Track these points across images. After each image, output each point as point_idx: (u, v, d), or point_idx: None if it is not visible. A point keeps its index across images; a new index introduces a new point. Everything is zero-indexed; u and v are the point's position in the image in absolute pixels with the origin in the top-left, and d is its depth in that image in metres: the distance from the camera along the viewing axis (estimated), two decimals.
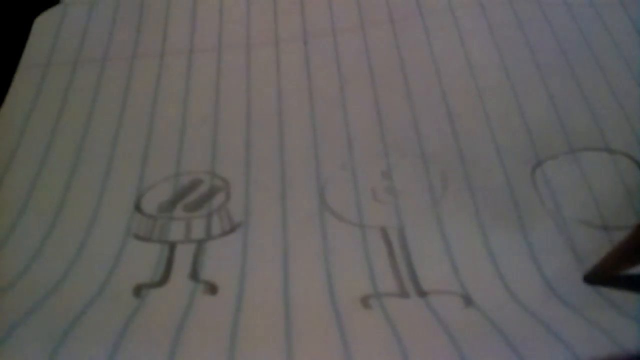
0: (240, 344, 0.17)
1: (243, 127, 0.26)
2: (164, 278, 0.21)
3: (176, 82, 0.27)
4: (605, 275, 0.20)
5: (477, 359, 0.17)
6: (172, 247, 0.22)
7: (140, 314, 0.18)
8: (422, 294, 0.20)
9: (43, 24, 0.30)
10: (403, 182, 0.24)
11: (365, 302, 0.19)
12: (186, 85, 0.27)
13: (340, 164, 0.25)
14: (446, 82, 0.27)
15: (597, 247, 0.21)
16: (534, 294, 0.19)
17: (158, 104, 0.26)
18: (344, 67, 0.28)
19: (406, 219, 0.23)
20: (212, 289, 0.20)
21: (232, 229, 0.23)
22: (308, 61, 0.28)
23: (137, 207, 0.24)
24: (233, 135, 0.26)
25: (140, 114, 0.26)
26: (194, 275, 0.21)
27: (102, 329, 0.18)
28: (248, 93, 0.27)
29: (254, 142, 0.25)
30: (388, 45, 0.28)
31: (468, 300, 0.19)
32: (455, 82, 0.27)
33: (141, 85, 0.27)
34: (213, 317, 0.18)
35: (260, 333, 0.18)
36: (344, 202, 0.23)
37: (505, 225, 0.22)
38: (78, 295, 0.19)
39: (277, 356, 0.17)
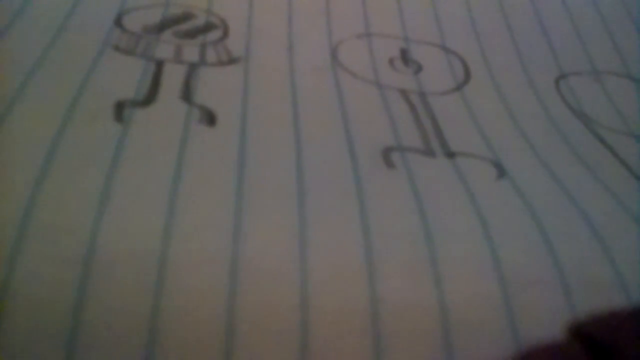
0: (248, 203, 0.14)
1: None
2: (151, 96, 0.17)
3: None
4: None
5: (503, 238, 0.14)
6: (159, 64, 0.18)
7: (127, 143, 0.15)
8: (450, 154, 0.17)
9: None
10: (423, 61, 0.22)
11: (387, 156, 0.16)
12: None
13: (356, 33, 0.22)
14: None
15: (624, 147, 0.19)
16: (569, 172, 0.17)
17: None
18: None
19: (428, 88, 0.20)
20: (210, 117, 0.16)
21: (231, 62, 0.19)
22: None
23: (117, 23, 0.20)
24: None
25: None
26: (187, 96, 0.17)
27: (87, 159, 0.14)
28: None
29: None
30: None
31: (501, 171, 0.17)
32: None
33: None
34: (214, 154, 0.15)
35: (269, 189, 0.14)
36: (359, 62, 0.20)
37: (531, 113, 0.20)
38: (49, 108, 0.15)
39: (289, 224, 0.14)
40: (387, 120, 0.18)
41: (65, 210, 0.13)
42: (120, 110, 0.16)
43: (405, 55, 0.22)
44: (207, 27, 0.21)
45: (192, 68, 0.18)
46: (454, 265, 0.14)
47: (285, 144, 0.16)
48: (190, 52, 0.19)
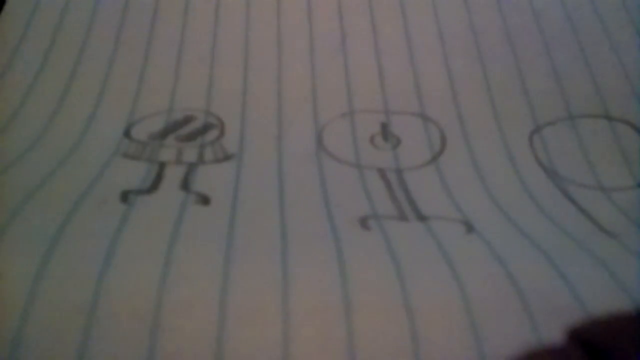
0: (236, 258, 0.16)
1: (240, 68, 0.25)
2: (153, 186, 0.20)
3: (174, 17, 0.26)
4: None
5: (475, 285, 0.16)
6: (161, 165, 0.21)
7: (130, 221, 0.17)
8: (421, 218, 0.19)
9: None
10: (402, 135, 0.24)
11: (364, 222, 0.18)
12: (183, 22, 0.26)
13: (340, 113, 0.24)
14: (449, 44, 0.27)
15: (591, 202, 0.21)
16: (535, 226, 0.19)
17: (154, 39, 0.26)
18: (346, 14, 0.27)
19: (404, 163, 0.22)
20: (205, 199, 0.19)
21: (226, 158, 0.22)
22: (310, 4, 0.27)
23: (127, 134, 0.23)
24: (230, 76, 0.25)
25: (135, 47, 0.25)
26: (185, 186, 0.20)
27: (92, 234, 0.17)
28: (247, 34, 0.26)
29: (251, 84, 0.25)
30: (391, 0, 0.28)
31: (469, 227, 0.18)
32: (458, 44, 0.27)
33: (138, 18, 0.26)
34: (206, 227, 0.18)
35: (255, 247, 0.17)
36: (342, 145, 0.23)
37: (503, 175, 0.22)
38: (63, 198, 0.18)
39: (273, 271, 0.16)
40: (363, 196, 0.20)
41: (74, 268, 0.16)
42: (125, 196, 0.19)
43: (385, 130, 0.24)
44: (206, 128, 0.23)
45: (191, 167, 0.21)
46: (425, 302, 0.15)
47: (271, 216, 0.19)
48: (190, 153, 0.22)
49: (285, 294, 0.15)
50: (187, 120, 0.24)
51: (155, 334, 0.15)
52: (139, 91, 0.24)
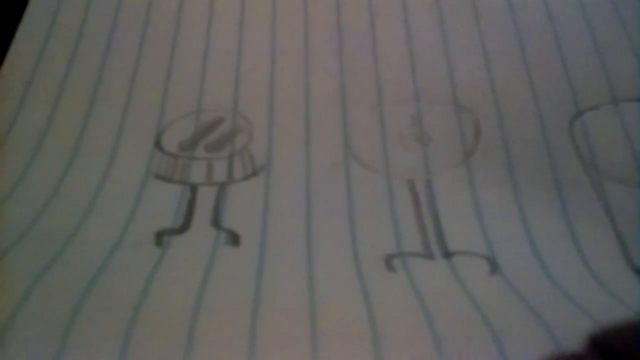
0: (264, 301, 0.17)
1: (267, 64, 0.24)
2: (186, 224, 0.20)
3: (199, 15, 0.26)
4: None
5: (503, 329, 0.16)
6: (193, 189, 0.21)
7: (163, 266, 0.18)
8: (447, 255, 0.19)
9: None
10: (433, 129, 0.23)
11: (388, 263, 0.19)
12: (209, 18, 0.26)
13: (369, 107, 0.24)
14: (484, 21, 0.25)
15: (631, 207, 0.20)
16: (565, 266, 0.19)
17: (179, 38, 0.25)
18: (375, 1, 0.26)
19: (435, 169, 0.22)
20: (235, 239, 0.20)
21: (255, 173, 0.22)
22: None
23: (158, 145, 0.23)
24: (256, 73, 0.24)
25: (160, 47, 0.25)
26: (216, 222, 0.20)
27: (125, 281, 0.18)
28: (273, 28, 0.25)
29: (278, 81, 0.24)
30: None
31: (494, 266, 0.18)
32: (493, 21, 0.25)
33: (161, 17, 0.26)
34: (236, 271, 0.18)
35: (283, 293, 0.17)
36: (371, 148, 0.22)
37: (539, 181, 0.21)
38: (97, 242, 0.19)
39: (300, 315, 0.17)
40: (390, 226, 0.20)
41: (105, 316, 0.16)
42: (160, 238, 0.20)
43: (415, 124, 0.23)
44: (234, 132, 0.23)
45: (222, 188, 0.21)
46: (455, 345, 0.16)
47: (298, 259, 0.19)
48: (220, 167, 0.22)
49: (314, 350, 0.16)
50: (216, 123, 0.24)
51: None
52: (166, 93, 0.24)
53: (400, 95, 0.24)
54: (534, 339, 0.16)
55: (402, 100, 0.24)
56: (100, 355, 0.15)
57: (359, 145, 0.23)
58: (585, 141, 0.23)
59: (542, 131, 0.23)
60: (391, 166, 0.22)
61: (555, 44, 0.25)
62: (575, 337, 0.16)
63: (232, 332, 0.16)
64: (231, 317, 0.17)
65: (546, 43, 0.25)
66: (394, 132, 0.23)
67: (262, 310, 0.17)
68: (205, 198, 0.21)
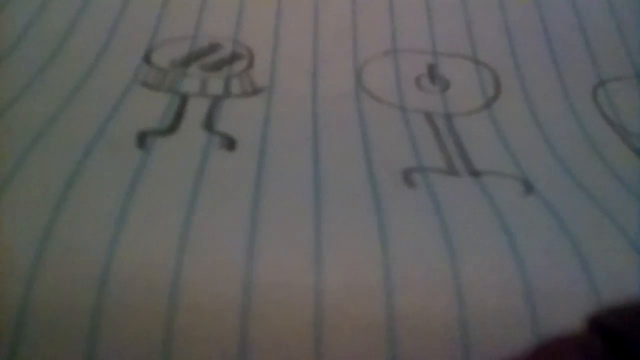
0: (263, 220, 0.14)
1: None
2: (173, 126, 0.17)
3: None
4: None
5: (536, 260, 0.14)
6: (184, 98, 0.19)
7: (147, 169, 0.15)
8: (475, 173, 0.17)
9: None
10: (452, 77, 0.21)
11: (407, 176, 0.16)
12: None
13: (383, 51, 0.22)
14: None
15: None
16: (604, 189, 0.16)
17: None
18: None
19: (454, 108, 0.20)
20: (230, 143, 0.17)
21: (255, 92, 0.20)
22: None
23: (147, 59, 0.20)
24: (263, 3, 0.22)
25: None
26: (209, 125, 0.17)
27: (107, 184, 0.15)
28: None
29: (286, 13, 0.22)
30: None
31: (529, 187, 0.16)
32: None
33: None
34: (232, 176, 0.15)
35: (285, 207, 0.15)
36: (384, 85, 0.20)
37: (565, 126, 0.19)
38: (75, 140, 0.16)
39: (304, 238, 0.14)
40: (408, 142, 0.17)
41: (83, 231, 0.14)
42: (143, 139, 0.17)
43: (432, 72, 0.21)
44: (233, 58, 0.21)
45: (216, 101, 0.19)
46: (477, 279, 0.13)
47: (303, 166, 0.16)
48: (216, 85, 0.20)
49: (317, 269, 0.13)
50: (213, 48, 0.21)
51: (173, 312, 0.13)
52: (163, 13, 0.22)
53: (416, 45, 0.22)
54: (571, 278, 0.14)
55: (418, 51, 0.22)
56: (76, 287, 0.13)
57: (371, 81, 0.20)
58: (611, 107, 0.21)
59: (566, 96, 0.21)
60: (407, 101, 0.20)
61: (578, 21, 0.24)
62: (611, 258, 0.14)
63: (226, 260, 0.13)
64: (225, 242, 0.14)
65: (567, 18, 0.24)
66: (410, 75, 0.21)
67: (260, 235, 0.14)
68: (197, 106, 0.18)
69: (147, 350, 0.12)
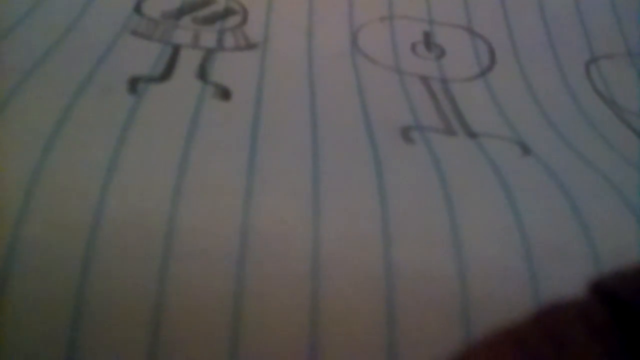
0: (260, 169, 0.14)
1: None
2: (165, 74, 0.17)
3: None
4: None
5: (534, 217, 0.14)
6: (175, 48, 0.18)
7: (139, 114, 0.15)
8: (472, 134, 0.16)
9: None
10: (447, 45, 0.21)
11: (405, 133, 0.16)
12: None
13: (379, 16, 0.22)
14: None
15: None
16: (597, 153, 0.16)
17: None
18: None
19: (450, 74, 0.19)
20: (225, 93, 0.16)
21: (248, 47, 0.19)
22: None
23: (137, 10, 0.20)
24: None
25: None
26: (202, 75, 0.17)
27: (95, 132, 0.14)
28: None
29: None
30: None
31: (526, 149, 0.16)
32: None
33: None
34: (227, 125, 0.15)
35: (282, 158, 0.14)
36: (379, 48, 0.20)
37: (558, 97, 0.19)
38: (63, 84, 0.15)
39: (301, 189, 0.13)
40: (405, 102, 0.17)
41: (73, 175, 0.13)
42: (134, 84, 0.16)
43: (428, 40, 0.21)
44: (226, 13, 0.20)
45: (209, 53, 0.18)
46: (475, 233, 0.13)
47: (300, 118, 0.16)
48: (208, 37, 0.19)
49: (315, 219, 0.13)
50: (206, 2, 0.21)
51: (167, 260, 0.12)
52: None
53: (411, 13, 0.22)
54: (569, 235, 0.14)
55: (413, 18, 0.22)
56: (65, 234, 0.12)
57: (366, 44, 0.20)
58: (603, 83, 0.21)
59: (559, 70, 0.21)
60: (402, 65, 0.19)
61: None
62: (607, 214, 0.14)
63: (222, 208, 0.13)
64: (221, 190, 0.13)
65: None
66: (405, 41, 0.21)
67: (256, 184, 0.13)
68: (190, 57, 0.18)
69: (139, 295, 0.12)
